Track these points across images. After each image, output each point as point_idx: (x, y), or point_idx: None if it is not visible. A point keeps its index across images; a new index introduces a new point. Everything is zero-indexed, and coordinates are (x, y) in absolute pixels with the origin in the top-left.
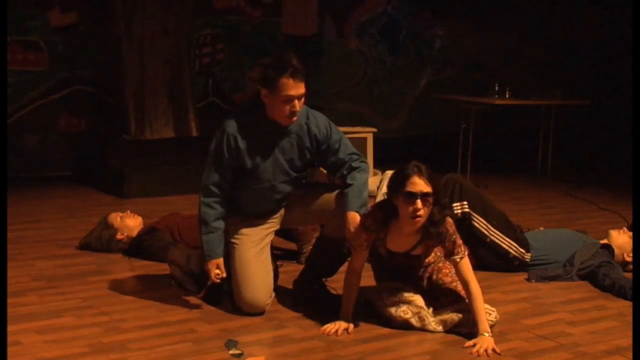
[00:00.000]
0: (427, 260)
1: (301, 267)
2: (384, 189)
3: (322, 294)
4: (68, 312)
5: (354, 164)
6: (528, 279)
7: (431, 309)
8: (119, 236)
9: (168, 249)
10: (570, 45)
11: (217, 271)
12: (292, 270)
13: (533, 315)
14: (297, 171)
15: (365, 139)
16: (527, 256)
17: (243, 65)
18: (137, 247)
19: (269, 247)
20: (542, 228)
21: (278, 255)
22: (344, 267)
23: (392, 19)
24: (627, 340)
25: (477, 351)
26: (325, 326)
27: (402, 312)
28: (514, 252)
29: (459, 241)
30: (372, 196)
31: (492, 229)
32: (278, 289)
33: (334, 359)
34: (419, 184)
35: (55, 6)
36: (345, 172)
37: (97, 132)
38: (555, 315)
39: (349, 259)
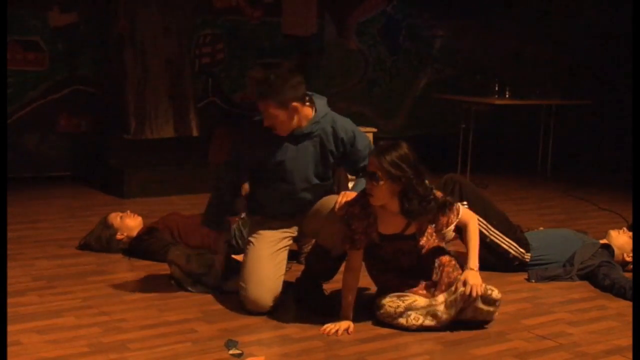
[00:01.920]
0: (422, 241)
1: (301, 266)
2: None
3: (317, 297)
4: (68, 312)
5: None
6: (528, 279)
7: (437, 297)
8: (119, 236)
9: (168, 249)
10: (570, 45)
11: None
12: (292, 270)
13: (533, 315)
14: (318, 177)
15: None
16: (527, 256)
17: (243, 65)
18: (137, 247)
19: (286, 251)
20: (541, 228)
21: None
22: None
23: (392, 19)
24: (627, 340)
25: (467, 292)
26: (326, 326)
27: (414, 319)
28: (513, 252)
29: (457, 207)
30: None
31: (492, 228)
32: None
33: (333, 358)
34: (370, 163)
35: (55, 6)
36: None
37: (97, 132)
38: (555, 315)
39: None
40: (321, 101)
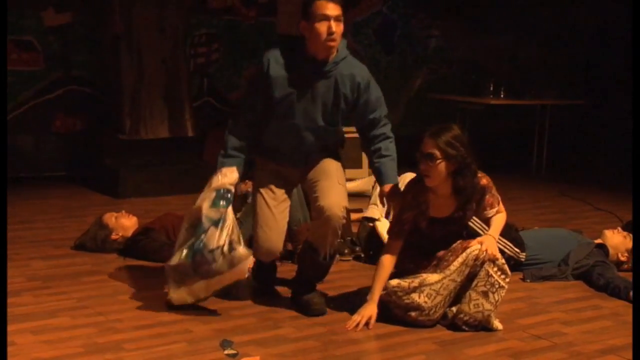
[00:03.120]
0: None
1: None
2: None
3: (308, 299)
4: (63, 312)
5: (387, 133)
6: (523, 279)
7: (450, 267)
8: (114, 236)
9: (163, 249)
10: (564, 46)
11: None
12: (288, 270)
13: (528, 314)
14: (326, 122)
15: (359, 138)
16: (522, 256)
17: (238, 65)
18: (132, 247)
19: (288, 205)
20: (537, 228)
21: None
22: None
23: (388, 19)
24: (621, 340)
25: (480, 251)
26: (352, 320)
27: (427, 296)
28: (509, 252)
29: (498, 196)
30: (367, 196)
31: (487, 228)
32: (274, 291)
33: (329, 358)
34: (425, 144)
35: (50, 6)
36: (378, 139)
37: (92, 132)
38: (550, 314)
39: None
40: (342, 44)
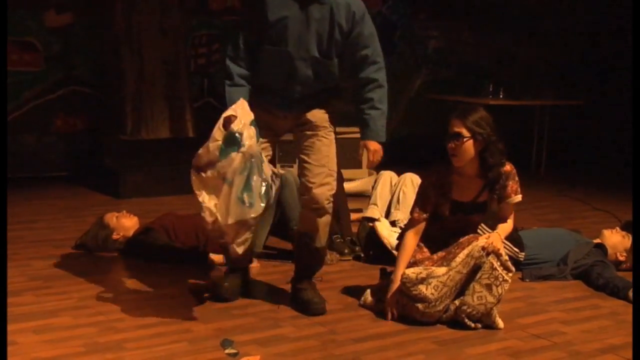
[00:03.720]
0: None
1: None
2: (379, 190)
3: (308, 298)
4: (64, 311)
5: (381, 80)
6: (522, 278)
7: (456, 259)
8: (114, 236)
9: (164, 249)
10: (562, 47)
11: (229, 112)
12: (288, 270)
13: (527, 314)
14: (320, 53)
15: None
16: (521, 255)
17: None
18: (133, 247)
19: (268, 155)
20: (536, 227)
21: (274, 255)
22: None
23: (387, 20)
24: (620, 339)
25: (486, 242)
26: (389, 314)
27: (434, 288)
28: (508, 251)
29: (517, 182)
30: (367, 196)
31: (487, 228)
32: (274, 290)
33: (329, 358)
34: (453, 124)
35: (51, 7)
36: (371, 85)
37: (93, 133)
38: (549, 314)
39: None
40: None
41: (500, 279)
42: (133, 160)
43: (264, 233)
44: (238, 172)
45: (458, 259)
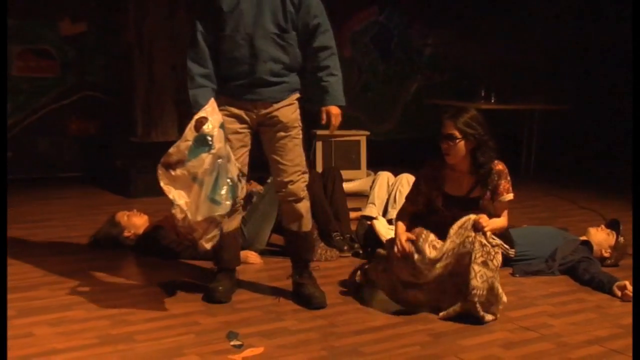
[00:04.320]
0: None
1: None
2: (376, 190)
3: (310, 293)
4: (78, 305)
5: (333, 46)
6: (512, 274)
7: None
8: (126, 234)
9: (172, 246)
10: (551, 54)
11: (202, 114)
12: (289, 266)
13: (517, 307)
14: (277, 27)
15: (359, 141)
16: (512, 252)
17: None
18: (143, 244)
19: (247, 150)
20: (525, 225)
21: (276, 251)
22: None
23: (384, 28)
24: (605, 331)
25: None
26: (397, 249)
27: (432, 247)
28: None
29: (509, 181)
30: (365, 196)
31: (496, 237)
32: (276, 285)
33: (329, 349)
34: (445, 126)
35: (66, 17)
36: (326, 53)
37: (106, 135)
38: (538, 307)
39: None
40: None
41: (493, 253)
42: (143, 162)
43: (267, 231)
44: (208, 173)
45: (452, 231)
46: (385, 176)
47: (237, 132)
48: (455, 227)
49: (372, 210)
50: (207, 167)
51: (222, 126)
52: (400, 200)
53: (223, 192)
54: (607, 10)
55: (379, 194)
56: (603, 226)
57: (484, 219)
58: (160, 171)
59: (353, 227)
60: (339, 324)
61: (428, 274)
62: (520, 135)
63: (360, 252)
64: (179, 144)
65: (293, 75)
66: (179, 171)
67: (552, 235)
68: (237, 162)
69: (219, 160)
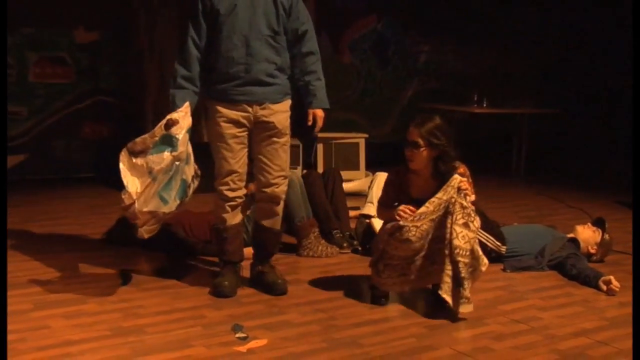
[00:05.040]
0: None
1: (300, 259)
2: (374, 189)
3: (273, 280)
4: (91, 299)
5: (316, 51)
6: (504, 269)
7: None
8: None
9: (181, 243)
10: (540, 61)
11: (174, 116)
12: (291, 262)
13: (508, 301)
14: (271, 30)
15: (357, 143)
16: (503, 249)
17: None
18: (152, 241)
19: (245, 152)
20: (516, 224)
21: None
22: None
23: (382, 36)
24: (591, 324)
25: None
26: (404, 219)
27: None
28: (491, 245)
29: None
30: (364, 195)
31: (494, 240)
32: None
33: (329, 341)
34: (410, 133)
35: (80, 25)
36: (312, 59)
37: (118, 138)
38: (527, 301)
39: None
40: None
41: (473, 214)
42: None
43: None
44: (163, 171)
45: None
46: (383, 177)
47: (236, 136)
48: (441, 191)
49: (371, 209)
50: (164, 166)
51: (189, 130)
52: None
53: (173, 192)
54: (593, 17)
55: (377, 194)
56: (589, 224)
57: (465, 182)
58: (124, 155)
59: (352, 225)
60: (338, 317)
61: (416, 231)
62: (511, 138)
63: (359, 248)
64: (146, 136)
65: (284, 78)
66: (139, 160)
67: (541, 232)
68: (238, 163)
69: (177, 163)
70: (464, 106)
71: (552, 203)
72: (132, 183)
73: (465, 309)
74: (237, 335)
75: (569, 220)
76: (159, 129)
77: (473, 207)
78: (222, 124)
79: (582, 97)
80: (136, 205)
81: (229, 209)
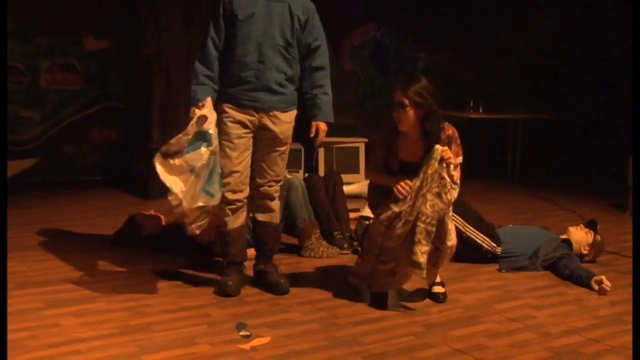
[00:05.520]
0: None
1: (302, 259)
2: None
3: (276, 280)
4: (100, 298)
5: (327, 66)
6: (499, 269)
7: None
8: (143, 233)
9: (186, 244)
10: (534, 68)
11: (197, 110)
12: (293, 262)
13: (503, 300)
14: (284, 40)
15: (357, 148)
16: (498, 249)
17: None
18: (159, 242)
19: (249, 153)
20: (511, 225)
21: (282, 249)
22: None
23: (381, 44)
24: (584, 322)
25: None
26: (402, 193)
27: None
28: (486, 246)
29: (458, 145)
30: (364, 198)
31: (468, 225)
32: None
33: (330, 339)
34: (396, 94)
35: (90, 33)
36: (321, 73)
37: (125, 142)
38: (522, 300)
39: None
40: None
41: (449, 187)
42: None
43: None
44: (205, 167)
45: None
46: None
47: (241, 137)
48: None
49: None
50: (204, 162)
51: (216, 124)
52: None
53: (216, 185)
54: (588, 24)
55: None
56: (582, 225)
57: (447, 151)
58: (158, 158)
59: (352, 226)
60: (339, 315)
61: (411, 208)
62: (506, 142)
63: (359, 249)
64: (180, 136)
65: (292, 88)
66: (177, 161)
67: (535, 234)
68: (241, 163)
69: (213, 157)
70: (461, 112)
71: (546, 205)
72: (175, 183)
73: (414, 272)
74: (241, 333)
75: (562, 222)
76: (191, 127)
77: (456, 179)
78: (229, 124)
79: (574, 104)
80: (184, 203)
81: (229, 212)
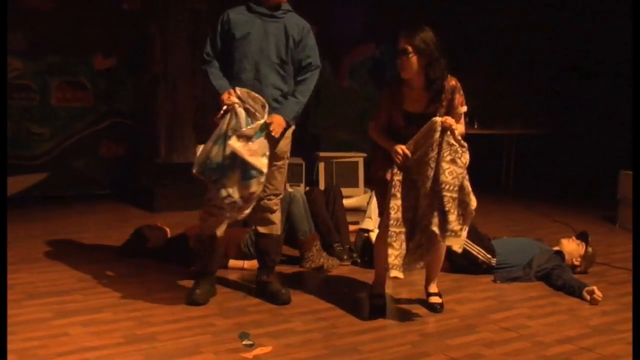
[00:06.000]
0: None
1: (303, 270)
2: (373, 205)
3: (277, 289)
4: (107, 308)
5: (311, 77)
6: (494, 280)
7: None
8: (149, 244)
9: (191, 256)
10: (528, 85)
11: (230, 97)
12: (295, 273)
13: (498, 310)
14: (279, 58)
15: (357, 162)
16: (493, 261)
17: None
18: (165, 254)
19: None
20: (505, 237)
21: (283, 260)
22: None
23: (379, 62)
24: (576, 331)
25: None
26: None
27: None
28: (482, 258)
29: (462, 94)
30: (363, 211)
31: (485, 253)
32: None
33: (330, 348)
34: (400, 42)
35: (98, 52)
36: (303, 81)
37: (133, 157)
38: (516, 310)
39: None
40: (286, 5)
41: (460, 151)
42: (165, 180)
43: None
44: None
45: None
46: None
47: None
48: (423, 130)
49: (369, 223)
50: (266, 151)
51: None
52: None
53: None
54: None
55: (375, 209)
56: (574, 237)
57: (449, 119)
58: (234, 142)
59: (352, 238)
60: (339, 325)
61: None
62: (501, 157)
63: (359, 261)
64: (248, 128)
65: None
66: (254, 144)
67: (529, 245)
68: None
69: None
70: None
71: (539, 218)
72: (232, 191)
73: (451, 242)
74: (244, 342)
75: (554, 234)
76: (252, 127)
77: (460, 140)
78: None
79: (567, 119)
80: (238, 200)
81: (220, 219)
